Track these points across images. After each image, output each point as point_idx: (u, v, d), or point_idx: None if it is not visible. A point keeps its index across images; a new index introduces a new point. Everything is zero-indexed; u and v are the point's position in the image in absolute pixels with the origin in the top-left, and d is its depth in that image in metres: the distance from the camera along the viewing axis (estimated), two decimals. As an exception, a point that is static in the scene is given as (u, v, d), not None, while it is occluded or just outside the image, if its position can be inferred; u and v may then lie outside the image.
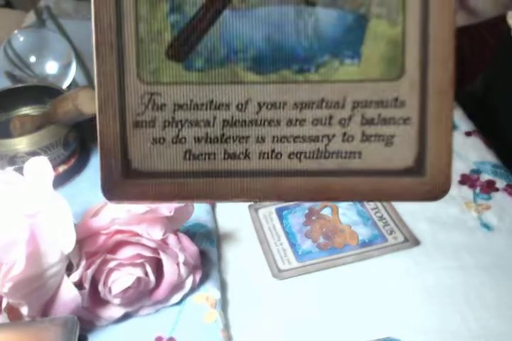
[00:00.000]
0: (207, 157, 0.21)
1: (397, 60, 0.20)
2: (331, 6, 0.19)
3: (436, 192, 0.20)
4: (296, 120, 0.20)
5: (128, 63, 0.20)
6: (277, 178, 0.21)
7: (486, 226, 0.53)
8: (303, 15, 0.19)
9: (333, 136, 0.20)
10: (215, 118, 0.20)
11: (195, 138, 0.20)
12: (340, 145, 0.20)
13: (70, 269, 0.42)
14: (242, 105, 0.20)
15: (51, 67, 0.74)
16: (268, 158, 0.21)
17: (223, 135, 0.20)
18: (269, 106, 0.20)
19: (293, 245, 0.52)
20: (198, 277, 0.47)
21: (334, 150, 0.20)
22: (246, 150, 0.21)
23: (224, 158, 0.21)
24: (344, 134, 0.20)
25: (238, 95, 0.20)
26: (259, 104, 0.20)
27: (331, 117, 0.20)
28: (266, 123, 0.20)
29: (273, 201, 0.21)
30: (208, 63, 0.20)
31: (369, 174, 0.20)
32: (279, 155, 0.21)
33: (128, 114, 0.20)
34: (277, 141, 0.20)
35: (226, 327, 0.45)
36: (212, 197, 0.21)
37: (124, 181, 0.21)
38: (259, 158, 0.21)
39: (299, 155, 0.21)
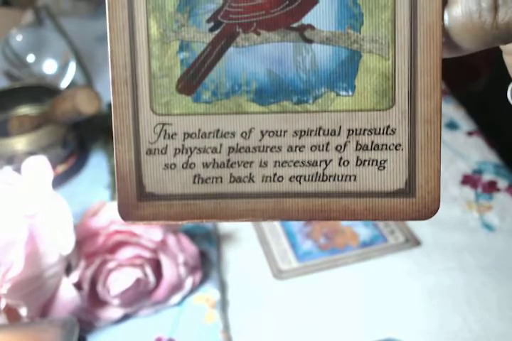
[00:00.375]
0: (214, 180, 0.23)
1: (388, 91, 0.22)
2: (326, 43, 0.22)
3: (425, 212, 0.22)
4: (296, 146, 0.22)
5: (141, 96, 0.22)
6: (279, 199, 0.23)
7: (488, 226, 0.53)
8: (301, 52, 0.22)
9: (330, 160, 0.22)
10: (221, 145, 0.22)
11: (203, 164, 0.23)
12: (337, 169, 0.22)
13: (69, 270, 0.42)
14: (246, 133, 0.22)
15: (50, 67, 0.74)
16: (270, 181, 0.23)
17: (229, 160, 0.22)
18: (270, 134, 0.22)
19: (293, 245, 0.52)
20: (197, 278, 0.47)
21: (331, 174, 0.22)
22: (250, 174, 0.23)
23: (230, 182, 0.23)
24: (340, 159, 0.22)
25: (242, 124, 0.22)
26: (261, 132, 0.22)
27: (327, 144, 0.22)
28: (268, 150, 0.22)
29: (275, 220, 0.22)
30: (215, 96, 0.22)
31: (363, 195, 0.22)
32: (280, 179, 0.23)
33: (142, 143, 0.22)
34: (279, 165, 0.22)
35: (226, 327, 0.45)
36: (219, 217, 0.23)
37: (138, 203, 0.23)
38: (263, 181, 0.23)
39: (298, 178, 0.23)
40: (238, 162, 0.22)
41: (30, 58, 0.74)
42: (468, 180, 0.58)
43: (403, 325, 0.45)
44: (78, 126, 0.63)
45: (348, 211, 0.22)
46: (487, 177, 0.58)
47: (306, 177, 0.22)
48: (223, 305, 0.47)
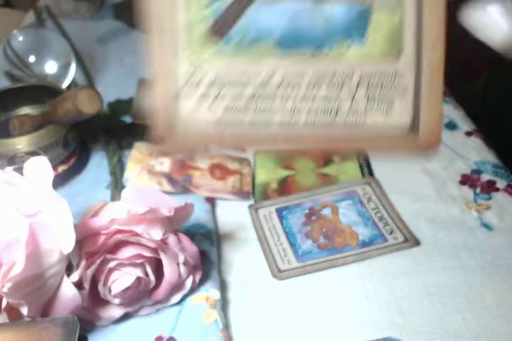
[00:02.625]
0: (242, 111, 0.26)
1: (396, 41, 0.24)
2: (341, 0, 0.24)
3: (426, 147, 0.25)
4: (314, 84, 0.25)
5: (178, 41, 0.26)
6: (298, 129, 0.26)
7: (487, 226, 0.53)
8: (318, 6, 0.24)
9: (344, 97, 0.25)
10: (248, 82, 0.26)
11: (232, 96, 0.26)
12: (350, 104, 0.25)
13: (69, 269, 0.42)
14: (269, 74, 0.25)
15: (50, 67, 0.74)
16: (290, 113, 0.26)
17: (255, 94, 0.26)
18: (291, 76, 0.26)
19: (293, 245, 0.52)
20: (197, 277, 0.47)
21: (344, 109, 0.26)
22: (273, 108, 0.26)
23: (255, 112, 0.26)
24: (353, 97, 0.25)
25: (267, 66, 0.25)
26: (283, 74, 0.25)
27: (342, 83, 0.25)
28: (289, 87, 0.25)
29: (293, 147, 0.29)
30: (242, 42, 0.25)
31: (371, 131, 0.25)
32: (298, 112, 0.26)
33: (180, 78, 0.26)
34: (298, 100, 0.26)
35: (226, 327, 0.45)
36: (244, 143, 0.28)
37: (174, 130, 0.27)
38: (284, 113, 0.26)
39: (316, 111, 0.26)
40: (262, 96, 0.26)
41: (31, 59, 0.74)
42: (467, 180, 0.58)
43: (402, 324, 0.45)
44: (79, 126, 0.63)
45: (357, 141, 0.26)
46: (486, 177, 0.59)
47: (323, 110, 0.25)
48: (224, 304, 0.47)
